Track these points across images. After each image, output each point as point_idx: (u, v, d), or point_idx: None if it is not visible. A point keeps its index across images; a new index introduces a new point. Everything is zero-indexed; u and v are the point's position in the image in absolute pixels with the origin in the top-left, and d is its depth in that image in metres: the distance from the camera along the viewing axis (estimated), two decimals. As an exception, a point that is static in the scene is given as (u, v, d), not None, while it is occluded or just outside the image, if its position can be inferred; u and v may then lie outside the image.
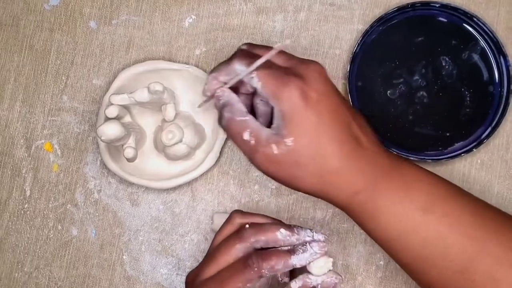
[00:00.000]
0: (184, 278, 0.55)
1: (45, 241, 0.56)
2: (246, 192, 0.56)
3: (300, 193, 0.54)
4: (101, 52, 0.58)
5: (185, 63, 0.56)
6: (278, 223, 0.47)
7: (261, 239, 0.44)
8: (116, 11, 0.58)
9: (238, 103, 0.45)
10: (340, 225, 0.55)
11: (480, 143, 0.53)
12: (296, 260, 0.44)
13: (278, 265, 0.43)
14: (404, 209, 0.43)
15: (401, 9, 0.54)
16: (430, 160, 0.53)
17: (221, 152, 0.55)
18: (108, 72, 0.57)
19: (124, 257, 0.56)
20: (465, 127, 0.54)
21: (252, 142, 0.43)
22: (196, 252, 0.55)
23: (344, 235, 0.54)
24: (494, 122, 0.53)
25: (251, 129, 0.43)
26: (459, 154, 0.53)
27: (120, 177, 0.55)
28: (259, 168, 0.44)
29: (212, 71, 0.46)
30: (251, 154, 0.43)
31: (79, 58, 0.58)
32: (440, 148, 0.54)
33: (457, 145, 0.54)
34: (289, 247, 0.44)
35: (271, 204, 0.55)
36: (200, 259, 0.55)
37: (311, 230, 0.45)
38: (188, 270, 0.55)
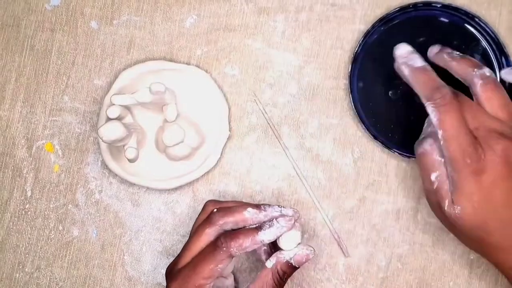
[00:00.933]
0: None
1: (46, 242, 0.56)
2: (247, 192, 0.55)
3: (302, 195, 0.54)
4: (102, 52, 0.58)
5: (186, 63, 0.56)
6: (246, 203, 0.48)
7: (229, 220, 0.45)
8: (117, 11, 0.58)
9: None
10: (341, 226, 0.54)
11: (481, 143, 0.53)
12: (264, 236, 0.44)
13: (246, 243, 0.44)
14: None
15: (402, 10, 0.54)
16: (431, 161, 0.53)
17: (222, 153, 0.55)
18: (109, 72, 0.57)
19: (125, 257, 0.55)
20: (467, 127, 0.54)
21: (435, 185, 0.45)
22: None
23: (345, 236, 0.54)
24: (496, 123, 0.53)
25: (441, 174, 0.44)
26: (461, 155, 0.53)
27: (121, 178, 0.55)
28: (430, 205, 0.47)
29: None
30: (428, 192, 0.46)
31: (80, 58, 0.58)
32: (441, 149, 0.54)
33: (458, 145, 0.54)
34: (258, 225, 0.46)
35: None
36: (201, 260, 0.55)
37: (279, 206, 0.46)
38: (189, 271, 0.55)
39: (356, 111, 0.54)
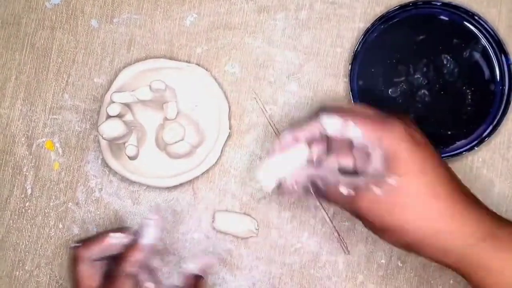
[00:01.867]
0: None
1: (46, 240, 0.56)
2: (247, 190, 0.55)
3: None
4: (103, 51, 0.58)
5: (186, 61, 0.56)
6: (109, 230, 0.48)
7: (94, 249, 0.46)
8: (117, 10, 0.58)
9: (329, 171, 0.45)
10: (341, 223, 0.54)
11: (481, 141, 0.53)
12: (143, 240, 0.46)
13: (132, 255, 0.45)
14: (503, 278, 0.42)
15: (402, 8, 0.54)
16: (431, 159, 0.53)
17: (222, 151, 0.55)
18: (109, 70, 0.57)
19: (125, 255, 0.55)
20: (467, 125, 0.54)
21: (352, 192, 0.43)
22: (197, 251, 0.55)
23: (345, 233, 0.54)
24: (496, 121, 0.53)
25: (345, 182, 0.43)
26: (461, 153, 0.53)
27: (122, 176, 0.55)
28: (361, 216, 0.44)
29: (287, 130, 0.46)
30: (353, 205, 0.43)
31: (80, 56, 0.58)
32: (441, 147, 0.54)
33: (458, 143, 0.54)
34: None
35: (272, 203, 0.55)
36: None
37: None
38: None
39: (356, 109, 0.54)
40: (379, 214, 0.43)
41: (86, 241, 0.47)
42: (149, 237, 0.46)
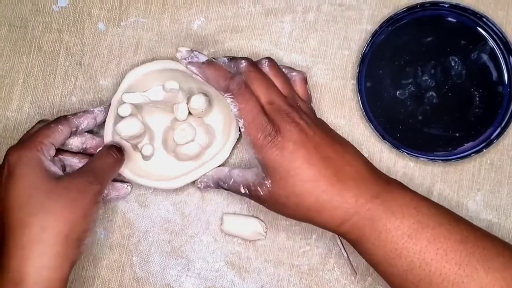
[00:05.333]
0: (193, 279, 0.55)
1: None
2: (255, 193, 0.55)
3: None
4: (109, 54, 0.58)
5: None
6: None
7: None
8: (124, 13, 0.58)
9: (221, 173, 0.52)
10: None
11: (489, 143, 0.53)
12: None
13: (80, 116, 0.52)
14: (388, 237, 0.44)
15: (410, 9, 0.54)
16: (439, 161, 0.53)
17: (231, 153, 0.55)
18: (116, 73, 0.57)
19: (133, 258, 0.55)
20: (475, 127, 0.54)
21: (247, 191, 0.49)
22: (206, 253, 0.55)
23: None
24: (504, 122, 0.53)
25: (242, 184, 0.50)
26: (469, 155, 0.53)
27: (128, 179, 0.55)
28: (262, 202, 0.50)
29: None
30: (254, 198, 0.50)
31: (87, 59, 0.58)
32: (449, 149, 0.54)
33: (466, 145, 0.54)
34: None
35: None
36: (210, 260, 0.55)
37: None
38: (197, 272, 0.55)
39: (364, 111, 0.54)
40: (267, 206, 0.49)
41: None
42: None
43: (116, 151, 0.51)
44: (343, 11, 0.56)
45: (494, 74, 0.54)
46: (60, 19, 0.58)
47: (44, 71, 0.58)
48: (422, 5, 0.54)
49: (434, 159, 0.53)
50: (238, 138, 0.54)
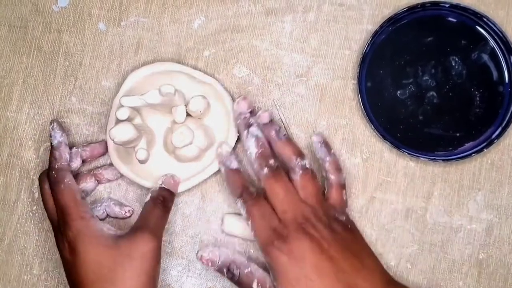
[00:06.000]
0: (194, 280, 0.55)
1: (54, 244, 0.56)
2: (256, 193, 0.55)
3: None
4: (110, 54, 0.57)
5: (194, 64, 0.56)
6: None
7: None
8: (125, 13, 0.58)
9: (238, 257, 0.51)
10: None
11: (490, 143, 0.53)
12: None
13: (94, 149, 0.55)
14: None
15: (410, 9, 0.54)
16: (440, 160, 0.53)
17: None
18: (117, 73, 0.57)
19: (134, 259, 0.55)
20: (475, 127, 0.54)
21: None
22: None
23: (355, 236, 0.54)
24: (505, 122, 0.53)
25: (258, 278, 0.49)
26: (470, 155, 0.53)
27: (130, 179, 0.55)
28: None
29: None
30: None
31: (88, 59, 0.58)
32: (450, 149, 0.54)
33: (467, 145, 0.54)
34: None
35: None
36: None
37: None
38: (198, 272, 0.55)
39: (365, 111, 0.54)
40: None
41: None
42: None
43: (162, 203, 0.52)
44: (344, 11, 0.56)
45: (495, 74, 0.54)
46: (60, 19, 0.58)
47: (44, 71, 0.58)
48: (422, 5, 0.54)
49: (434, 159, 0.53)
50: (237, 139, 0.55)
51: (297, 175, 0.50)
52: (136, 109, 0.53)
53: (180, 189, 0.54)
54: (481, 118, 0.54)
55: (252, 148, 0.51)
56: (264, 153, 0.51)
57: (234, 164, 0.52)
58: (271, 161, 0.50)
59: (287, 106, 0.56)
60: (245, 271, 0.49)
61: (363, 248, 0.50)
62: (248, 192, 0.50)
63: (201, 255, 0.51)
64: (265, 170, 0.50)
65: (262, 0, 0.57)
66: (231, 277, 0.50)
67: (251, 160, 0.51)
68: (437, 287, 0.54)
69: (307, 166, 0.51)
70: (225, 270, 0.50)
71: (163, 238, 0.55)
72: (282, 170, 0.51)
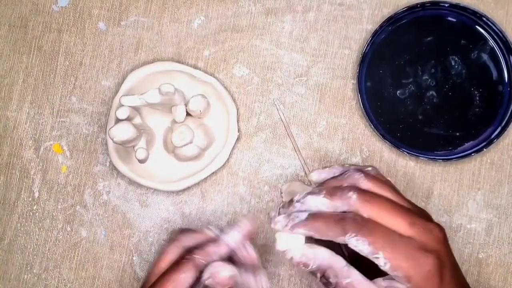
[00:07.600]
0: (194, 279, 0.55)
1: (54, 243, 0.56)
2: (255, 193, 0.55)
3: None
4: (110, 53, 0.58)
5: (194, 64, 0.56)
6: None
7: (191, 236, 0.45)
8: (125, 12, 0.58)
9: (336, 261, 0.40)
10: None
11: (490, 142, 0.53)
12: (227, 237, 0.45)
13: (208, 247, 0.44)
14: None
15: (410, 9, 0.54)
16: (440, 160, 0.53)
17: (230, 153, 0.55)
18: (117, 73, 0.57)
19: (134, 258, 0.55)
20: (475, 126, 0.54)
21: None
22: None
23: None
24: (504, 122, 0.53)
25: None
26: (469, 154, 0.53)
27: (129, 179, 0.55)
28: None
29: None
30: None
31: (88, 59, 0.58)
32: (450, 148, 0.54)
33: (467, 144, 0.54)
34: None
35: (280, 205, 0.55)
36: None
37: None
38: (198, 271, 0.55)
39: (365, 111, 0.54)
40: None
41: (187, 229, 0.47)
42: (234, 236, 0.45)
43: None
44: (344, 10, 0.56)
45: (494, 73, 0.54)
46: (60, 19, 0.58)
47: (44, 71, 0.58)
48: (422, 4, 0.54)
49: (434, 158, 0.53)
50: (237, 138, 0.55)
51: (384, 200, 0.41)
52: (136, 109, 0.53)
53: (180, 188, 0.54)
54: (480, 118, 0.54)
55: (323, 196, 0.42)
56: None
57: (303, 214, 0.41)
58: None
59: (287, 105, 0.56)
60: (344, 282, 0.39)
61: None
62: (348, 220, 0.40)
63: (292, 257, 0.41)
64: (353, 195, 0.41)
65: (262, 0, 0.57)
66: (325, 282, 0.40)
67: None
68: None
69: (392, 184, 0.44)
70: (318, 275, 0.40)
71: (162, 238, 0.55)
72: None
